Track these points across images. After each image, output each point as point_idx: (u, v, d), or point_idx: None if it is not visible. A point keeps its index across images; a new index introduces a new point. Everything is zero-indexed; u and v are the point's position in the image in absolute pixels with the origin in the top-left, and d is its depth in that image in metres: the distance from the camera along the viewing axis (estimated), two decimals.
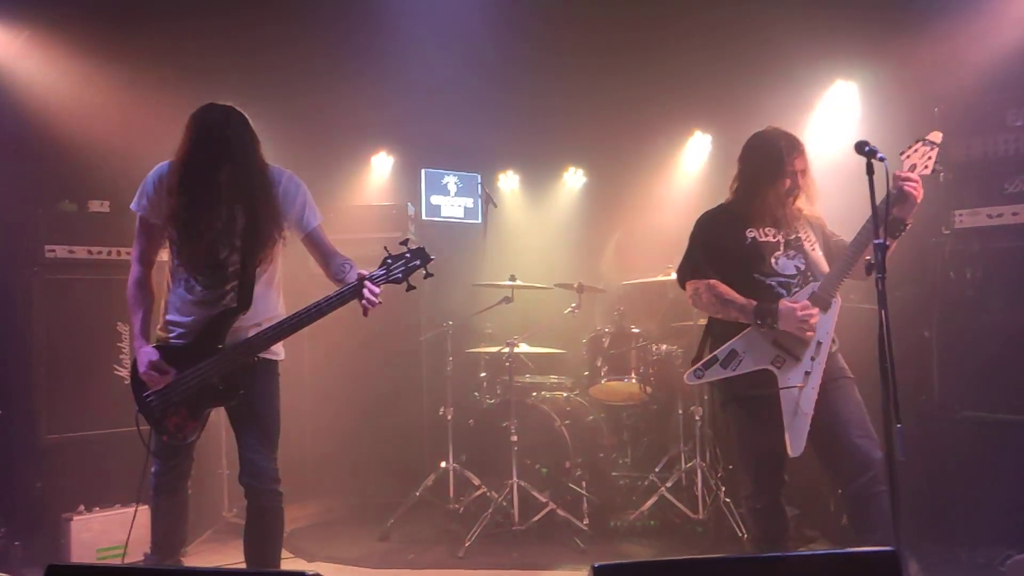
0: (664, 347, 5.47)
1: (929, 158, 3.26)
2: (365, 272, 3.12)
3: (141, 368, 3.22)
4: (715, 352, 3.42)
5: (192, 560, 4.83)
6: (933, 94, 4.63)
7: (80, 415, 4.68)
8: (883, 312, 2.77)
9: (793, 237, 3.46)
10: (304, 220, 3.36)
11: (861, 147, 2.92)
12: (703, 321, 5.24)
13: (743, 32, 5.56)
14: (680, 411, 5.24)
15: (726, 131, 6.43)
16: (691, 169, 6.70)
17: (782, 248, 3.45)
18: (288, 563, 4.61)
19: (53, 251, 4.78)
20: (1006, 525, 4.12)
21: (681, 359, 5.37)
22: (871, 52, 5.14)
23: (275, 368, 3.41)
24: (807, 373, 3.28)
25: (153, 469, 3.42)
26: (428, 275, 3.14)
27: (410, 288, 3.15)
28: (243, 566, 3.69)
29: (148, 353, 3.21)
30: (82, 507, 4.60)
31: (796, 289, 3.38)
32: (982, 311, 4.38)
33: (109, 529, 4.56)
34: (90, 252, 4.85)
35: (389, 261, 3.13)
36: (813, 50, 5.35)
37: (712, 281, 3.47)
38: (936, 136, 3.29)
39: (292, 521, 5.34)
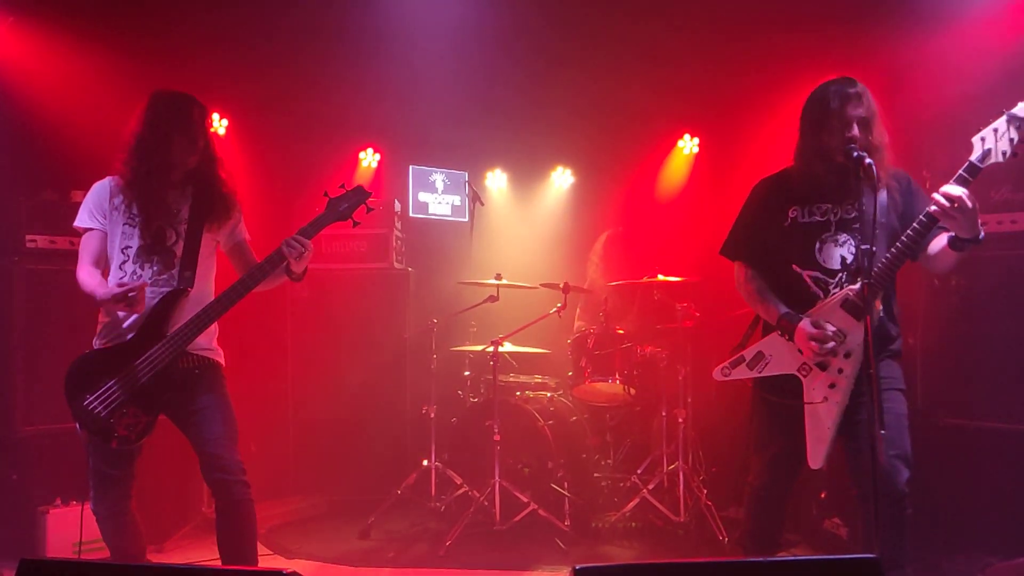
0: (649, 349, 5.46)
1: (1012, 140, 2.74)
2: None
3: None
4: (743, 352, 3.21)
5: (170, 555, 4.80)
6: (923, 100, 4.65)
7: (58, 407, 4.53)
8: (868, 318, 2.77)
9: (853, 216, 3.01)
10: (237, 229, 3.48)
11: (849, 153, 2.94)
12: (688, 323, 5.29)
13: (734, 35, 5.57)
14: (664, 413, 5.23)
15: (715, 133, 6.45)
16: (679, 171, 6.71)
17: (832, 229, 3.05)
18: (266, 560, 4.58)
19: (34, 241, 4.73)
20: (986, 532, 4.14)
21: (666, 361, 5.36)
22: (861, 59, 5.15)
23: (221, 371, 3.42)
24: (832, 385, 3.01)
25: (91, 496, 3.31)
26: (370, 209, 3.41)
27: (356, 224, 3.40)
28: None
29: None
30: (59, 500, 4.56)
31: (835, 289, 3.04)
32: (966, 319, 4.39)
33: (86, 523, 4.50)
34: (72, 243, 4.76)
35: (333, 201, 3.36)
36: (804, 54, 5.36)
37: (752, 272, 3.24)
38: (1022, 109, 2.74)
39: (271, 517, 5.31)
